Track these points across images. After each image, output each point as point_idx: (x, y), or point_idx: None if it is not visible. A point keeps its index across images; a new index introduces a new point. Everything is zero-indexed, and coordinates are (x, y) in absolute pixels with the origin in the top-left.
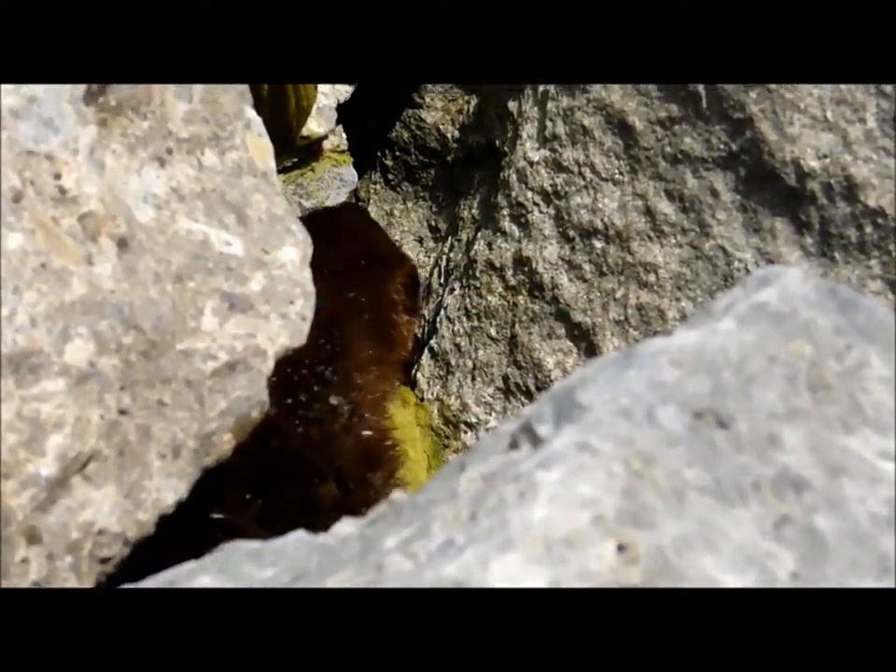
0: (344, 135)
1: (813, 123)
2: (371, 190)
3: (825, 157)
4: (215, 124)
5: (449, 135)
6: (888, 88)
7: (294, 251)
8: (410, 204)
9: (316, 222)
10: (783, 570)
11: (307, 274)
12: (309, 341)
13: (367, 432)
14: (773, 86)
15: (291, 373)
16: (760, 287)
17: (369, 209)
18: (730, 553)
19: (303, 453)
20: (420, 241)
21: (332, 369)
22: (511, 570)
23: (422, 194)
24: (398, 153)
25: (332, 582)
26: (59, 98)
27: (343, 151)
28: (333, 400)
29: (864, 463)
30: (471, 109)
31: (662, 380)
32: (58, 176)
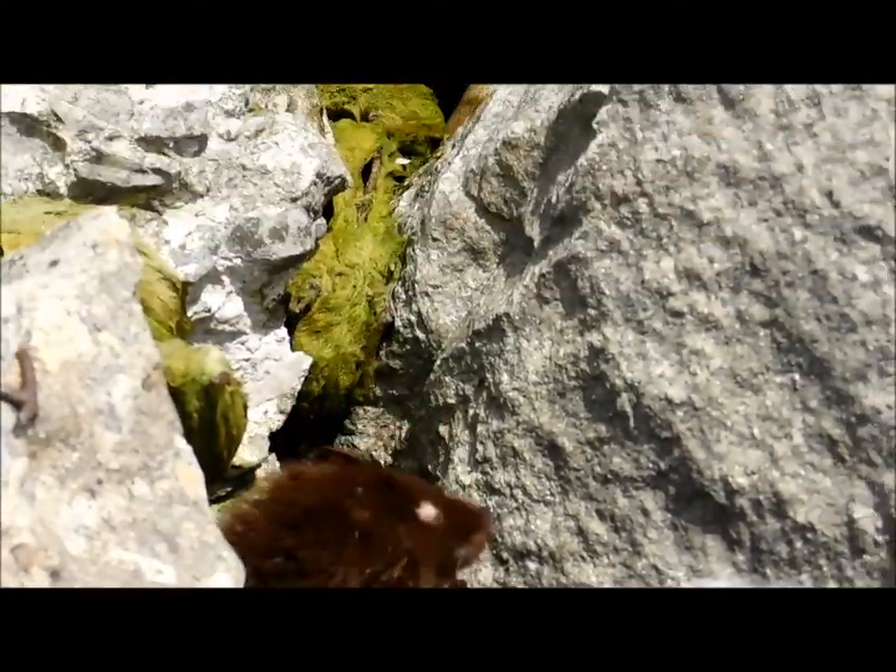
0: (278, 464)
1: (740, 440)
2: None
3: (753, 473)
4: (144, 454)
5: (381, 461)
6: (812, 402)
7: (227, 577)
8: None
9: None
10: None
11: None
12: None
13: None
14: (699, 404)
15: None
16: None
17: None
18: None
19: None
20: None
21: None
22: None
23: None
24: None
25: None
26: None
27: None
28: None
29: None
30: (403, 434)
31: None
32: None
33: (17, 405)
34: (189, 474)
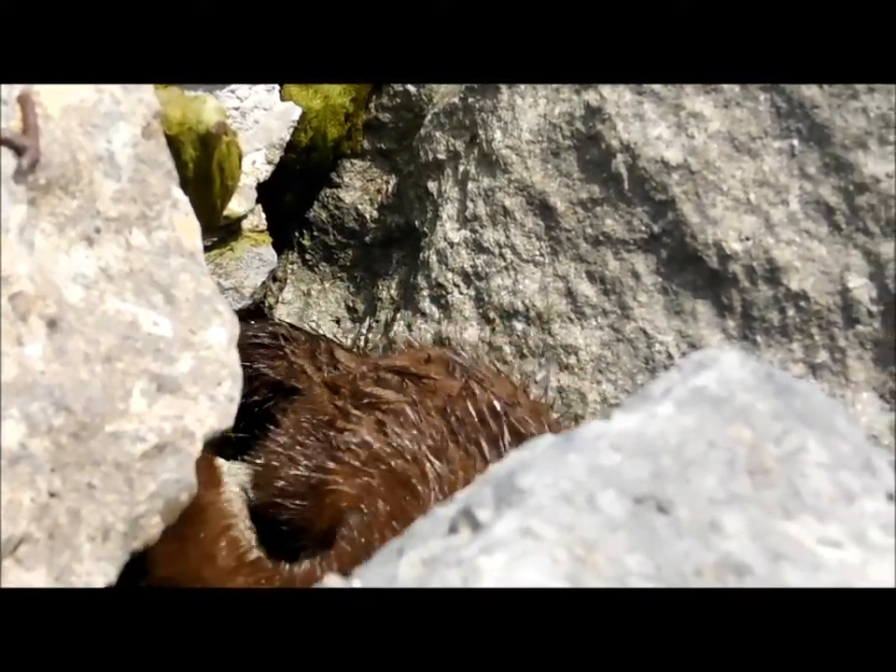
0: (263, 215)
1: (735, 205)
2: (289, 270)
3: (747, 239)
4: (143, 203)
5: (367, 215)
6: (810, 169)
7: (222, 332)
8: (327, 285)
9: None
10: None
11: (234, 355)
12: None
13: None
14: (695, 167)
15: None
16: (697, 370)
17: (285, 289)
18: None
19: None
20: (337, 321)
21: None
22: None
23: (339, 274)
24: (315, 233)
25: None
26: None
27: (262, 231)
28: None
29: (804, 549)
30: (390, 189)
31: (602, 464)
32: None
33: (18, 150)
34: (185, 224)
